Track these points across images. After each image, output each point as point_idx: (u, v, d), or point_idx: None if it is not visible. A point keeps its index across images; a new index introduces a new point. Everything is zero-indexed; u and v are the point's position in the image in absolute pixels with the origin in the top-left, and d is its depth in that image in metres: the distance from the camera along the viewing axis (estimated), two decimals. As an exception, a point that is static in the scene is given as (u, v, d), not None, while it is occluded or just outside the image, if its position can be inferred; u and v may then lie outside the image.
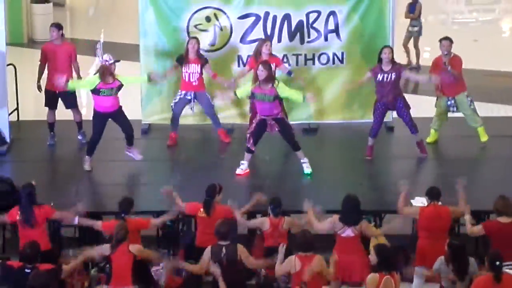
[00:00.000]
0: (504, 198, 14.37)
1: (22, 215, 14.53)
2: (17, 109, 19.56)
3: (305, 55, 19.24)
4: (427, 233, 14.43)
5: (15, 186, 16.02)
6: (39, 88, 18.57)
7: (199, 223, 14.93)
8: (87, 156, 17.38)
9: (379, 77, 17.57)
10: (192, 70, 18.20)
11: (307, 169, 17.22)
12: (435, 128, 18.46)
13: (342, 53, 19.31)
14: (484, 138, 18.24)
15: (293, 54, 19.22)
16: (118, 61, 17.44)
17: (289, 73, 18.65)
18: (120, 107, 17.45)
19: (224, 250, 13.50)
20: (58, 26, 18.98)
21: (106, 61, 17.26)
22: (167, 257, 14.55)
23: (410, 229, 15.91)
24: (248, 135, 17.26)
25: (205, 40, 19.05)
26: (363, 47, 19.30)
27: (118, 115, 17.38)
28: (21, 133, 19.19)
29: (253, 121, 17.34)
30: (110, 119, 17.34)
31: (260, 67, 16.86)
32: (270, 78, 16.71)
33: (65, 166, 18.46)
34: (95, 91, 17.01)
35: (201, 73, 18.32)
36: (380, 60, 17.58)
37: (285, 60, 19.13)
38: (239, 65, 19.28)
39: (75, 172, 17.95)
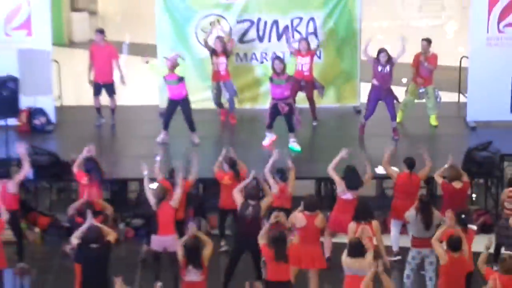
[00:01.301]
0: (454, 167, 14.71)
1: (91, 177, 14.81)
2: (60, 97, 19.61)
3: (290, 52, 18.84)
4: (401, 194, 14.75)
5: (59, 158, 16.35)
6: (90, 82, 18.71)
7: (223, 189, 15.05)
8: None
9: (379, 68, 17.64)
10: (219, 61, 18.28)
11: (297, 146, 17.38)
12: (402, 109, 18.65)
13: (320, 51, 19.27)
14: (435, 123, 18.61)
15: (281, 51, 18.97)
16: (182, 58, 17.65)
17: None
18: (186, 96, 17.50)
19: (251, 208, 13.80)
20: (101, 31, 19.08)
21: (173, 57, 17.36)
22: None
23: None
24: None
25: (210, 41, 18.71)
26: (337, 46, 19.42)
27: (183, 103, 17.49)
28: (63, 116, 19.19)
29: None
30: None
31: (277, 61, 17.24)
32: (284, 69, 17.07)
33: (102, 143, 18.35)
34: (164, 80, 17.48)
35: (227, 64, 18.39)
36: (378, 57, 17.66)
37: (273, 56, 18.74)
38: (236, 60, 19.31)
39: (111, 147, 18.57)
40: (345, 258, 12.20)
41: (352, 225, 13.13)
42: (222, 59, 18.29)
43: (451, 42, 20.59)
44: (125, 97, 19.28)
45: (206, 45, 18.48)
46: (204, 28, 19.24)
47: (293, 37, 19.20)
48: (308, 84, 18.38)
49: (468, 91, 18.91)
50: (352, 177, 14.57)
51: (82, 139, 17.86)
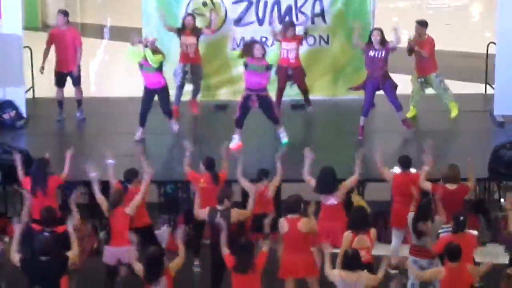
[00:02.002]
0: (454, 167, 14.62)
1: (36, 184, 14.67)
2: (32, 87, 19.64)
3: (273, 38, 19.06)
4: (400, 197, 14.65)
5: (31, 156, 16.20)
6: (41, 69, 18.69)
7: (200, 193, 14.76)
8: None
9: (371, 53, 17.63)
10: (188, 41, 18.37)
11: (284, 138, 17.41)
12: (413, 104, 18.66)
13: (328, 35, 19.43)
14: (454, 113, 18.41)
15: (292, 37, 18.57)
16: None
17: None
18: (165, 86, 17.69)
19: (219, 213, 13.70)
20: (64, 13, 19.06)
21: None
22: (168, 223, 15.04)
23: (389, 196, 15.82)
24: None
25: (202, 24, 19.04)
26: (346, 29, 19.29)
27: (161, 92, 17.66)
28: (36, 110, 19.25)
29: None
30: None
31: (257, 45, 17.10)
32: (265, 54, 17.01)
33: (74, 139, 18.46)
34: (140, 67, 17.51)
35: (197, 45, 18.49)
36: (370, 41, 17.66)
37: (252, 38, 18.80)
38: (233, 46, 19.36)
39: (83, 145, 18.30)
40: (338, 271, 12.37)
41: (347, 235, 13.21)
42: (192, 39, 18.42)
43: (477, 25, 20.23)
44: (106, 88, 19.08)
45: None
46: (197, 9, 19.42)
47: (297, 17, 19.34)
48: (296, 71, 18.34)
49: (496, 82, 18.92)
50: (324, 180, 14.60)
51: (57, 135, 18.18)
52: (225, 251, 12.71)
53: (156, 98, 17.76)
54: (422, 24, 18.61)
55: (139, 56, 17.49)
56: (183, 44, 18.35)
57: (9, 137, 17.87)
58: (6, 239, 15.70)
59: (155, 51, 17.39)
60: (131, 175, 14.71)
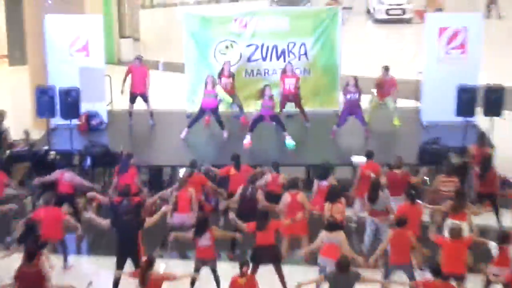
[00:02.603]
0: (398, 157, 14.74)
1: (122, 170, 14.83)
2: (111, 103, 19.53)
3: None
4: (364, 180, 14.53)
5: (110, 149, 16.40)
6: (121, 92, 18.68)
7: (231, 178, 14.93)
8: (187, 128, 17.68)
9: (348, 96, 17.40)
10: (226, 81, 18.12)
11: (290, 141, 17.13)
12: (369, 114, 18.42)
13: (310, 69, 19.16)
14: (397, 123, 18.41)
15: (279, 69, 18.79)
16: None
17: None
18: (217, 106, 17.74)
19: (250, 189, 13.98)
20: (139, 58, 19.16)
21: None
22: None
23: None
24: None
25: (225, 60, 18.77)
26: (322, 64, 19.20)
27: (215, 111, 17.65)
28: (113, 118, 19.14)
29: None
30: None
31: (267, 91, 17.25)
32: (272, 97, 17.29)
33: (143, 136, 18.63)
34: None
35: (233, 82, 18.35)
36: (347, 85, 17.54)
37: (275, 72, 19.00)
38: (245, 76, 19.21)
39: (147, 139, 18.47)
40: (324, 233, 12.36)
41: (327, 205, 13.30)
42: (229, 79, 18.23)
43: (410, 61, 20.05)
44: (159, 103, 19.08)
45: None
46: (221, 50, 19.13)
47: (288, 56, 19.12)
48: (295, 98, 18.16)
49: (422, 100, 18.89)
50: (324, 169, 14.66)
51: (128, 135, 18.28)
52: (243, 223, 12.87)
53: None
54: (387, 69, 18.50)
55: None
56: (223, 83, 18.07)
57: (95, 136, 17.86)
58: (94, 204, 15.61)
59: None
60: (193, 165, 14.76)
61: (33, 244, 11.85)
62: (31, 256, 11.33)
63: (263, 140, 17.55)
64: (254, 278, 11.55)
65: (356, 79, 17.57)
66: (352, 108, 17.66)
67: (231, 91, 18.27)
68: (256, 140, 17.26)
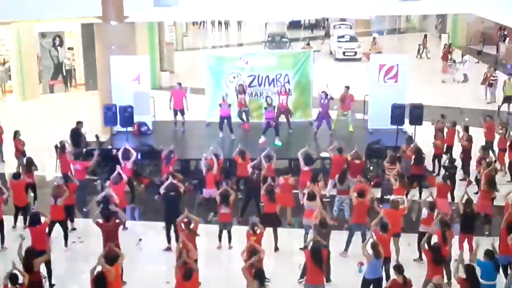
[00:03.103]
0: (356, 152, 14.78)
1: (167, 161, 14.76)
2: (154, 116, 19.24)
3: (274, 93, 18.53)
4: (335, 166, 14.56)
5: (154, 148, 16.34)
6: (169, 108, 18.61)
7: (238, 166, 14.88)
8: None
9: (323, 101, 17.45)
10: (241, 97, 18.00)
11: (278, 142, 17.17)
12: (335, 122, 18.25)
13: (291, 91, 18.71)
14: (352, 130, 18.34)
15: (271, 91, 18.62)
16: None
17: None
18: (230, 115, 17.64)
19: (256, 174, 13.98)
20: (179, 84, 19.07)
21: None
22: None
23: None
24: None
25: (232, 86, 18.64)
26: (300, 88, 19.02)
27: (228, 118, 17.63)
28: (156, 126, 18.91)
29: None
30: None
31: (269, 98, 17.67)
32: (272, 102, 17.50)
33: (178, 139, 18.30)
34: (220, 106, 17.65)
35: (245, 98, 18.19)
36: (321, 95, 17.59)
37: (268, 94, 18.65)
38: (250, 96, 18.79)
39: (183, 141, 18.26)
40: (305, 201, 12.46)
41: (308, 184, 13.28)
42: (243, 96, 18.10)
43: (360, 87, 19.84)
44: (189, 115, 18.95)
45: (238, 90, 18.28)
46: (230, 79, 18.93)
47: (276, 83, 18.87)
48: (285, 110, 17.98)
49: (369, 112, 18.76)
50: (307, 158, 14.50)
51: (166, 138, 18.02)
52: (262, 192, 12.95)
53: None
54: (348, 87, 18.43)
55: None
56: (239, 98, 17.99)
57: (144, 139, 17.77)
58: (142, 186, 15.57)
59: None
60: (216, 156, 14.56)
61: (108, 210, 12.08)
62: (108, 218, 11.42)
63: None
64: (262, 234, 11.44)
65: (325, 92, 17.63)
66: (324, 113, 17.63)
67: (244, 105, 18.16)
68: (256, 142, 17.13)
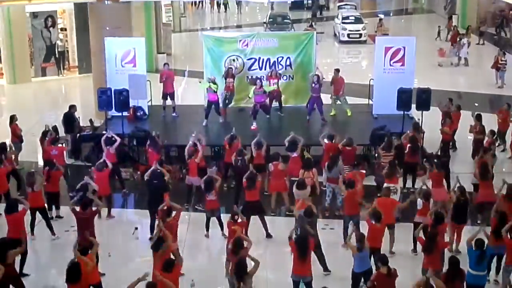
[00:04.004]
0: (349, 138, 14.76)
1: (152, 146, 14.68)
2: (150, 100, 19.20)
3: (266, 78, 18.26)
4: (327, 154, 14.41)
5: (150, 133, 16.07)
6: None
7: (226, 151, 14.82)
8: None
9: (315, 86, 17.37)
10: (230, 81, 17.90)
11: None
12: (333, 107, 18.39)
13: (293, 75, 18.87)
14: (349, 113, 18.20)
15: (273, 76, 18.24)
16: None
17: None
18: (217, 100, 17.48)
19: (240, 161, 13.76)
20: (167, 64, 19.13)
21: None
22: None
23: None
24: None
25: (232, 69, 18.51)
26: (302, 72, 18.86)
27: (216, 103, 17.48)
28: (152, 111, 18.90)
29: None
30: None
31: (258, 81, 17.24)
32: (262, 86, 17.17)
33: (169, 125, 18.42)
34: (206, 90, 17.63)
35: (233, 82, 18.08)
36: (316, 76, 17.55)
37: (256, 77, 18.32)
38: (247, 80, 18.71)
39: (175, 126, 18.22)
40: (295, 189, 12.56)
41: (301, 171, 13.29)
42: (232, 80, 18.02)
43: (365, 71, 19.84)
44: (184, 99, 18.90)
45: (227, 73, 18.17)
46: (229, 63, 18.87)
47: (277, 66, 18.69)
48: (277, 95, 18.09)
49: (374, 98, 18.67)
50: (291, 145, 14.45)
51: (162, 123, 18.08)
52: (244, 180, 12.74)
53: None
54: (338, 70, 18.42)
55: (206, 85, 17.54)
56: (227, 82, 17.87)
57: (140, 124, 17.70)
58: (138, 173, 15.55)
59: (214, 83, 17.27)
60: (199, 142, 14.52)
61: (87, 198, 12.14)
62: (86, 206, 11.47)
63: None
64: (245, 224, 11.59)
65: (318, 76, 17.62)
66: (316, 97, 17.60)
67: (232, 89, 18.11)
68: (247, 129, 16.98)
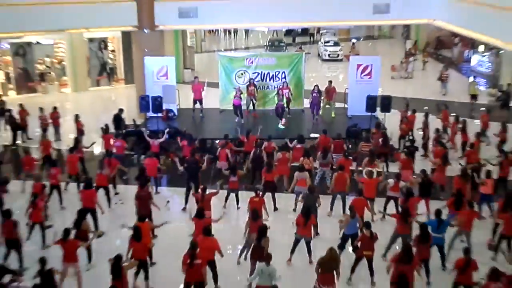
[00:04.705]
0: (338, 134, 14.62)
1: (190, 141, 14.46)
2: (179, 104, 19.07)
3: (274, 86, 18.56)
4: (322, 145, 14.19)
5: (180, 130, 16.10)
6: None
7: (244, 143, 14.64)
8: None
9: (315, 94, 17.39)
10: (251, 89, 17.95)
11: (281, 126, 16.83)
12: (323, 109, 18.25)
13: (288, 83, 18.43)
14: (333, 115, 18.20)
15: (271, 85, 18.58)
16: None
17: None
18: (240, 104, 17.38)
19: (258, 151, 13.74)
20: (196, 77, 18.96)
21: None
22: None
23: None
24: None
25: (241, 81, 18.58)
26: (294, 83, 18.71)
27: (239, 106, 17.40)
28: (180, 112, 18.75)
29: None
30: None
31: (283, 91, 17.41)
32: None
33: (197, 122, 18.09)
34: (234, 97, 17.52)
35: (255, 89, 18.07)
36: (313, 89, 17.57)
37: (269, 87, 18.65)
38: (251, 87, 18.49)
39: (201, 124, 17.92)
40: (297, 172, 12.35)
41: (301, 158, 13.14)
42: (253, 88, 18.02)
43: (341, 82, 19.80)
44: (206, 103, 18.84)
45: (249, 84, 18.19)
46: (238, 75, 18.73)
47: (275, 79, 18.64)
48: (287, 101, 17.94)
49: (348, 102, 18.55)
50: (300, 138, 14.31)
51: (190, 122, 17.89)
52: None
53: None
54: (330, 82, 18.46)
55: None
56: (249, 90, 18.00)
57: (171, 122, 17.62)
58: (169, 159, 15.38)
59: (241, 92, 17.55)
60: (226, 137, 14.59)
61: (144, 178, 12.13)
62: (143, 185, 11.39)
63: (264, 126, 17.09)
64: (264, 199, 11.46)
65: (317, 86, 17.62)
66: (316, 103, 17.57)
67: (253, 94, 18.07)
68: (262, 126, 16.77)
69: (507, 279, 8.04)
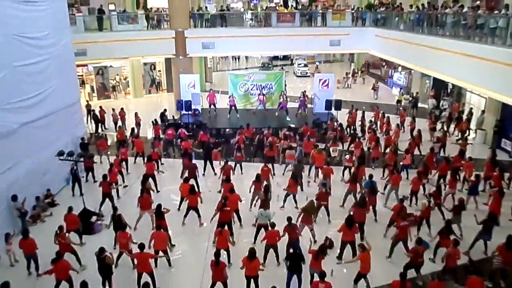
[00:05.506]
0: (313, 126, 14.29)
1: (203, 130, 13.91)
2: (202, 105, 18.48)
3: (264, 95, 17.90)
4: (305, 133, 13.51)
5: (203, 122, 15.75)
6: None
7: (244, 132, 13.99)
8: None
9: (301, 98, 16.91)
10: (261, 97, 17.38)
11: (288, 119, 16.31)
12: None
13: (273, 93, 18.20)
14: (303, 114, 17.39)
15: (262, 93, 17.90)
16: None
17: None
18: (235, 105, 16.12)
19: (259, 135, 13.12)
20: (211, 89, 18.39)
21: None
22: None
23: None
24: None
25: (243, 90, 18.25)
26: (277, 91, 18.14)
27: (235, 106, 16.05)
28: (204, 111, 18.24)
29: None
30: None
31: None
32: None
33: (212, 117, 17.44)
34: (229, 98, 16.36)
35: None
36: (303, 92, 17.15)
37: (261, 94, 17.77)
38: (250, 95, 18.12)
39: (215, 118, 17.23)
40: (287, 151, 11.97)
41: (283, 142, 12.72)
42: (262, 95, 17.51)
43: (310, 90, 19.40)
44: (219, 105, 18.43)
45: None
46: (241, 86, 18.25)
47: (265, 89, 17.98)
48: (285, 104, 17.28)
49: (314, 104, 18.18)
50: (314, 126, 14.23)
51: (208, 117, 17.39)
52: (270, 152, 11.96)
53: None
54: (304, 92, 17.92)
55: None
56: (259, 96, 17.36)
57: (198, 117, 17.20)
58: (196, 142, 14.60)
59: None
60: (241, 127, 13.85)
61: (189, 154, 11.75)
62: (191, 158, 11.23)
63: (268, 119, 16.78)
64: (270, 168, 11.09)
65: (303, 93, 17.14)
66: (302, 104, 17.03)
67: (262, 100, 17.49)
68: (263, 118, 16.45)
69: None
